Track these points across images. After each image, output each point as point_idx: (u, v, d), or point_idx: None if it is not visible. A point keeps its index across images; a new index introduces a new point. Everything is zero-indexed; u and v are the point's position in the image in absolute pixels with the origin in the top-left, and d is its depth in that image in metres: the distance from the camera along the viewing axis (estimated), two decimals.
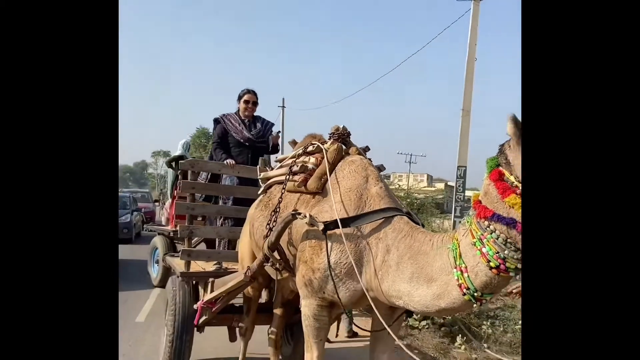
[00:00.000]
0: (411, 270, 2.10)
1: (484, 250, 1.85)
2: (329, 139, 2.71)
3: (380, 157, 3.75)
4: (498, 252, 1.81)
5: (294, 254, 2.59)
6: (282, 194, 2.69)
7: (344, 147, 2.63)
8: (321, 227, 2.26)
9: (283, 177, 2.79)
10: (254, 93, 4.31)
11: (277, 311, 3.51)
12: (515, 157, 1.78)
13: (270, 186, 3.02)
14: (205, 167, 3.99)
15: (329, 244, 2.30)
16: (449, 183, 43.93)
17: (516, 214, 1.76)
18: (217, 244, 4.15)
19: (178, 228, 4.11)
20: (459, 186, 11.77)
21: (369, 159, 2.68)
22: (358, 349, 4.86)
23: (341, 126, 2.68)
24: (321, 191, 2.53)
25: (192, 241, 3.79)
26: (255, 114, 4.35)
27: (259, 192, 3.21)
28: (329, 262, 2.29)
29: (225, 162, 3.95)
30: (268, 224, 2.69)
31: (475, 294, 1.91)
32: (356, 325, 2.94)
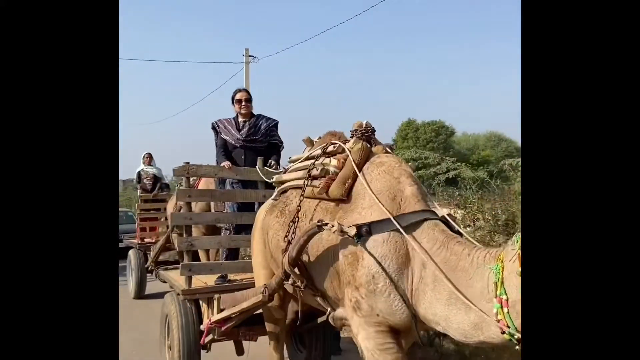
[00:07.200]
0: (449, 290, 1.79)
1: None
2: (351, 137, 2.38)
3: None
4: None
5: (318, 269, 2.28)
6: (301, 201, 2.37)
7: (368, 146, 2.31)
8: (353, 232, 1.94)
9: (300, 182, 2.46)
10: (245, 90, 4.06)
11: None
12: None
13: (285, 190, 2.69)
14: (200, 171, 3.64)
15: (366, 252, 1.97)
16: None
17: None
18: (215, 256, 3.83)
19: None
20: None
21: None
22: None
23: (364, 122, 2.35)
24: (346, 198, 2.22)
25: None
26: (255, 112, 4.03)
27: (272, 197, 2.86)
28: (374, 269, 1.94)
29: (222, 164, 3.61)
30: (286, 236, 2.37)
31: (516, 336, 1.58)
32: None
